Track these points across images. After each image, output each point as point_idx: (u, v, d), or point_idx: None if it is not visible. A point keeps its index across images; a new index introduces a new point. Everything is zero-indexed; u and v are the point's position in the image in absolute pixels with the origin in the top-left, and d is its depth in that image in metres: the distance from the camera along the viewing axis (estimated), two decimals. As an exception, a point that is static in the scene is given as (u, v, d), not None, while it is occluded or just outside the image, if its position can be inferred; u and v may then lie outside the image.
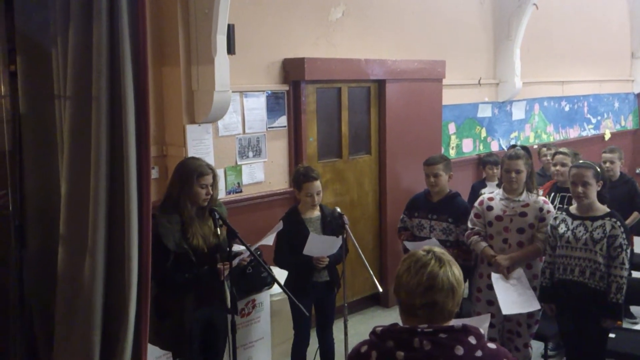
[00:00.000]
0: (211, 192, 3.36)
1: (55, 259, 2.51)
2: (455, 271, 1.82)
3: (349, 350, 3.76)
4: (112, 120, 2.41)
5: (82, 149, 2.41)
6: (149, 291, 2.46)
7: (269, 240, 3.62)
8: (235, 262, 3.40)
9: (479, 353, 1.73)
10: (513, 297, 3.70)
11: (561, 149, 4.97)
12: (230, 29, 4.22)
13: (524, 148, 3.99)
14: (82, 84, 2.43)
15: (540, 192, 4.92)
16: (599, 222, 3.53)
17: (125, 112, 2.37)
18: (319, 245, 3.76)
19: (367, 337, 1.88)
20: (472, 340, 1.75)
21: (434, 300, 1.77)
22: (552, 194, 4.75)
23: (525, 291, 3.71)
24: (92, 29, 2.39)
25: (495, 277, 3.79)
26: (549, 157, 5.66)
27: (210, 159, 4.40)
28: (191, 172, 3.32)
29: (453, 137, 6.56)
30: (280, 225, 3.65)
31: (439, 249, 1.88)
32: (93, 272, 2.35)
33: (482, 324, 2.29)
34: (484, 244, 3.89)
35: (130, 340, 2.39)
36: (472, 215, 4.02)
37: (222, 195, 4.53)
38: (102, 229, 2.37)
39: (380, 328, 1.83)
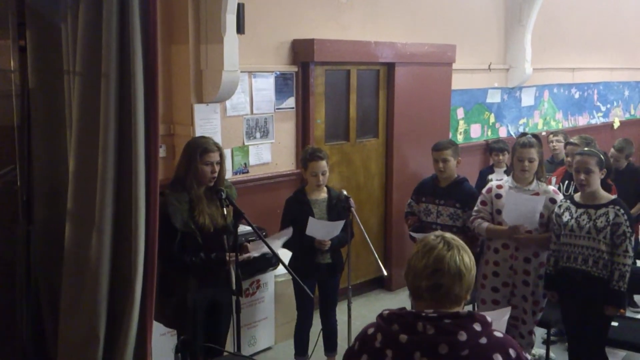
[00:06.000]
0: (217, 170, 3.30)
1: (62, 235, 2.53)
2: (464, 257, 1.81)
3: (352, 332, 3.80)
4: (121, 97, 2.41)
5: (90, 125, 2.42)
6: (155, 269, 2.47)
7: (277, 245, 3.57)
8: (242, 257, 3.38)
9: (483, 340, 1.73)
10: (519, 211, 3.70)
11: (572, 139, 4.92)
12: (240, 8, 4.18)
13: (535, 136, 3.95)
14: (92, 60, 2.42)
15: (553, 179, 4.92)
16: (603, 210, 3.51)
17: (134, 89, 2.37)
18: (320, 229, 3.77)
19: (370, 320, 1.90)
20: (477, 327, 1.74)
21: (439, 283, 1.78)
22: (566, 182, 4.73)
23: (533, 214, 3.70)
24: (102, 5, 2.38)
25: (510, 192, 3.79)
26: (555, 144, 5.62)
27: (217, 139, 4.38)
28: (195, 149, 3.27)
29: (461, 122, 6.52)
30: (289, 232, 3.62)
31: (450, 235, 1.87)
32: (100, 249, 2.37)
33: (501, 317, 2.29)
34: (486, 223, 3.87)
35: (136, 317, 2.41)
36: (478, 201, 4.00)
37: (228, 175, 4.53)
38: (109, 206, 2.38)
39: (387, 311, 1.84)
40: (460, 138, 6.45)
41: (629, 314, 4.74)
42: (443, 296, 1.79)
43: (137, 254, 2.36)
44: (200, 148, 3.27)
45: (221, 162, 3.34)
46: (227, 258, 3.32)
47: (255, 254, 3.47)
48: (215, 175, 3.31)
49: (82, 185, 2.42)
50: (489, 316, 1.81)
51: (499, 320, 2.09)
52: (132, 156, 2.36)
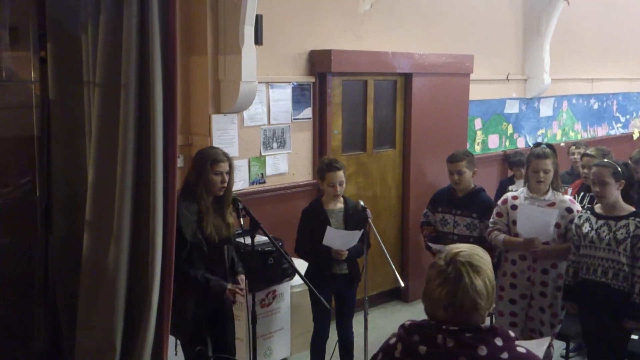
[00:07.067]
0: (226, 180, 3.33)
1: (80, 245, 2.54)
2: (477, 282, 1.73)
3: (368, 344, 3.77)
4: (140, 108, 2.43)
5: (109, 136, 2.44)
6: (172, 279, 2.48)
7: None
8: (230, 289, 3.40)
9: (505, 355, 1.70)
10: (533, 223, 3.67)
11: (589, 151, 4.87)
12: (258, 20, 4.21)
13: (549, 146, 3.91)
14: (112, 71, 2.45)
15: (570, 190, 4.86)
16: (623, 222, 3.47)
17: (153, 100, 2.38)
18: (337, 239, 3.75)
19: (387, 331, 1.88)
20: (499, 341, 1.71)
21: (456, 315, 1.74)
22: (582, 194, 4.69)
23: (547, 226, 3.67)
24: (122, 16, 2.41)
25: (524, 204, 3.77)
26: (576, 156, 5.56)
27: (234, 149, 4.42)
28: (205, 159, 3.30)
29: (479, 133, 6.47)
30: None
31: (464, 251, 1.78)
32: (117, 259, 2.38)
33: (540, 346, 2.24)
34: (502, 235, 3.83)
35: (153, 327, 2.41)
36: (494, 213, 3.97)
37: (245, 185, 4.55)
38: (127, 216, 2.39)
39: (409, 322, 1.83)
40: (477, 149, 6.41)
41: (649, 327, 4.65)
42: (462, 324, 1.74)
43: (154, 263, 2.36)
44: (210, 158, 3.30)
45: (230, 173, 3.36)
46: (226, 287, 3.34)
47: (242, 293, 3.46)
48: (225, 185, 3.34)
49: (100, 194, 2.44)
50: (527, 346, 1.77)
51: (537, 349, 2.05)
52: (150, 166, 2.38)
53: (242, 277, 3.51)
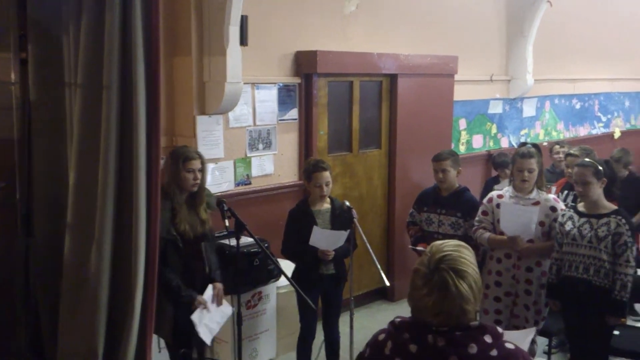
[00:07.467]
0: (199, 177, 3.42)
1: (62, 248, 2.51)
2: (463, 288, 1.71)
3: (354, 343, 3.77)
4: (123, 110, 2.40)
5: (91, 138, 2.41)
6: (155, 281, 2.46)
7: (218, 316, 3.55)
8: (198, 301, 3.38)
9: (494, 352, 1.71)
10: (515, 222, 3.72)
11: (572, 150, 4.94)
12: (243, 21, 4.19)
13: (535, 145, 3.95)
14: (93, 72, 2.42)
15: (554, 189, 4.92)
16: (604, 220, 3.52)
17: (136, 101, 2.36)
18: (324, 239, 3.75)
19: (372, 330, 1.88)
20: (488, 339, 1.72)
21: (446, 321, 1.74)
22: (566, 192, 4.76)
23: (529, 224, 3.71)
24: (104, 16, 2.38)
25: (506, 203, 3.81)
26: (561, 155, 5.63)
27: (219, 151, 4.40)
28: (177, 157, 3.40)
29: (463, 133, 6.51)
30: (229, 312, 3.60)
31: (449, 257, 1.75)
32: (99, 262, 2.35)
33: (525, 337, 2.26)
34: (487, 233, 3.87)
35: (135, 331, 2.39)
36: (480, 211, 4.00)
37: (231, 187, 4.53)
38: (109, 219, 2.37)
39: (399, 319, 1.83)
40: (462, 149, 6.44)
41: (629, 322, 4.71)
42: (452, 327, 1.74)
43: (137, 266, 2.34)
44: (182, 156, 3.39)
45: (202, 170, 3.45)
46: (195, 301, 3.33)
47: (211, 307, 3.44)
48: (198, 182, 3.42)
49: (82, 198, 2.41)
50: (513, 337, 1.78)
51: (522, 340, 2.06)
52: (133, 168, 2.36)
53: (217, 285, 3.51)
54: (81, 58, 2.45)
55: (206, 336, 3.36)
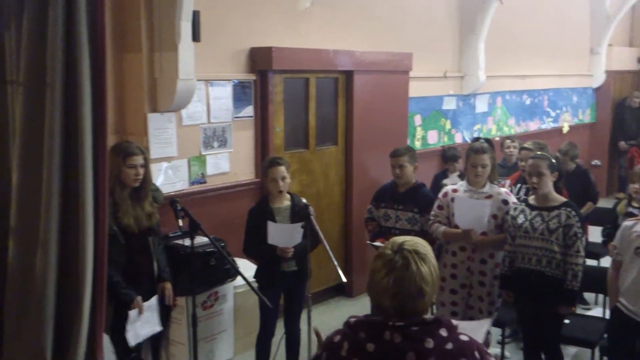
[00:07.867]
0: (140, 172, 3.39)
1: (5, 252, 2.41)
2: (423, 269, 1.76)
3: (312, 341, 3.77)
4: (67, 108, 2.32)
5: (34, 138, 2.32)
6: (105, 282, 2.40)
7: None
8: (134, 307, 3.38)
9: (449, 346, 1.73)
10: (469, 215, 3.82)
11: (526, 145, 5.07)
12: (196, 16, 4.12)
13: (487, 141, 4.04)
14: (36, 70, 2.33)
15: (507, 182, 5.04)
16: (555, 212, 3.62)
17: (80, 99, 2.28)
18: (281, 234, 3.74)
19: (331, 326, 1.87)
20: (444, 332, 1.74)
21: (403, 303, 1.76)
22: (519, 185, 4.89)
23: (482, 217, 3.81)
24: (47, 12, 2.30)
25: (460, 197, 3.90)
26: (512, 149, 5.77)
27: (173, 149, 4.32)
28: (118, 153, 3.39)
29: (419, 129, 6.59)
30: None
31: (409, 242, 1.81)
32: (45, 265, 2.27)
33: (480, 328, 2.30)
34: (442, 227, 3.94)
35: (85, 336, 2.32)
36: (435, 205, 4.06)
37: (185, 186, 4.46)
38: (54, 221, 2.29)
39: (353, 319, 1.82)
40: (418, 144, 6.53)
41: (579, 311, 4.88)
42: (408, 312, 1.76)
43: (85, 268, 2.27)
44: (123, 152, 3.39)
45: (146, 165, 3.45)
46: (136, 301, 3.33)
47: (145, 317, 3.42)
48: (139, 177, 3.42)
49: (25, 199, 2.32)
50: (469, 327, 1.80)
51: (477, 331, 2.10)
52: (79, 168, 2.28)
53: (167, 285, 3.49)
54: (23, 55, 2.36)
55: (132, 338, 3.35)
